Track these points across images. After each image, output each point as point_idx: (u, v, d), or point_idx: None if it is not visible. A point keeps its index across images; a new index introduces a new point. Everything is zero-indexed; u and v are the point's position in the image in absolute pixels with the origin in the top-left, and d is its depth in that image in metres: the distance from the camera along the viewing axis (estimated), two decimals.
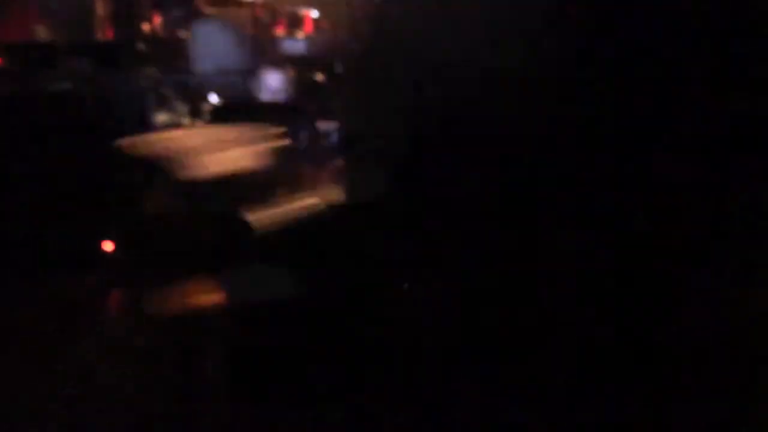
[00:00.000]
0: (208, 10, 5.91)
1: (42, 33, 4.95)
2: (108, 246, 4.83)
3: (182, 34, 5.78)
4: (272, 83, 4.38)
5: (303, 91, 4.94)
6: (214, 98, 4.76)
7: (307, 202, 3.56)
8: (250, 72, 4.77)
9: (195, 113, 4.94)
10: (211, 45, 5.42)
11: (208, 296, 3.90)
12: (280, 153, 3.67)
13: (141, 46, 5.22)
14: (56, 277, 4.65)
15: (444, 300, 3.19)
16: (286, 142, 3.60)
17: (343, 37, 5.82)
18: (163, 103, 5.08)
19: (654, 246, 3.09)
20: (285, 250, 3.70)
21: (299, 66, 5.19)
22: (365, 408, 3.22)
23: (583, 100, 3.08)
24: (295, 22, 6.12)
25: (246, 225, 3.74)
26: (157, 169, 4.18)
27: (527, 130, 3.10)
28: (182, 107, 5.07)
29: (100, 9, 5.12)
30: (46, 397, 3.39)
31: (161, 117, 5.05)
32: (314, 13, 6.16)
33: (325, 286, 3.41)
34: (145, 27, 5.67)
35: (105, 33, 5.19)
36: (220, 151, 4.06)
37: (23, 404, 3.34)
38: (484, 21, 3.15)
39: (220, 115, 4.61)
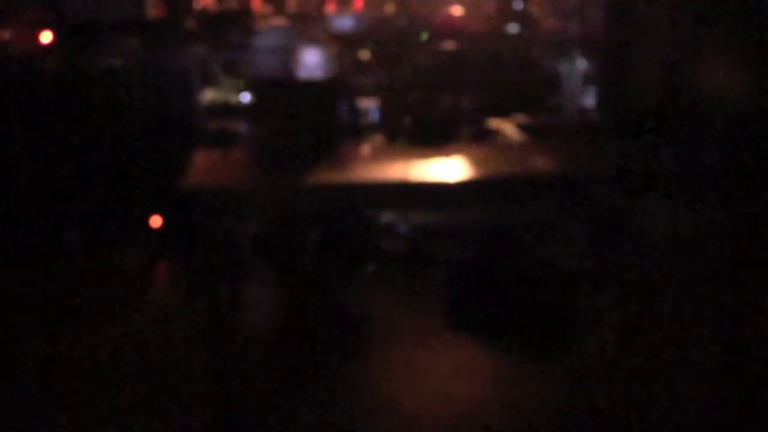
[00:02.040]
0: None
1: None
2: (156, 221, 4.92)
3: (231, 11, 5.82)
4: (315, 61, 4.39)
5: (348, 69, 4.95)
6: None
7: None
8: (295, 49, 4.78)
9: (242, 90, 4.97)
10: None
11: None
12: None
13: (190, 23, 5.26)
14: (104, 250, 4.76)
15: None
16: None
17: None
18: (211, 80, 5.12)
19: None
20: None
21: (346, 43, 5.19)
22: None
23: None
24: None
25: None
26: None
27: None
28: (229, 84, 5.11)
29: None
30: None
31: (208, 94, 5.09)
32: None
33: None
34: (196, 4, 5.71)
35: (155, 11, 5.25)
36: None
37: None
38: None
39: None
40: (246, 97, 4.87)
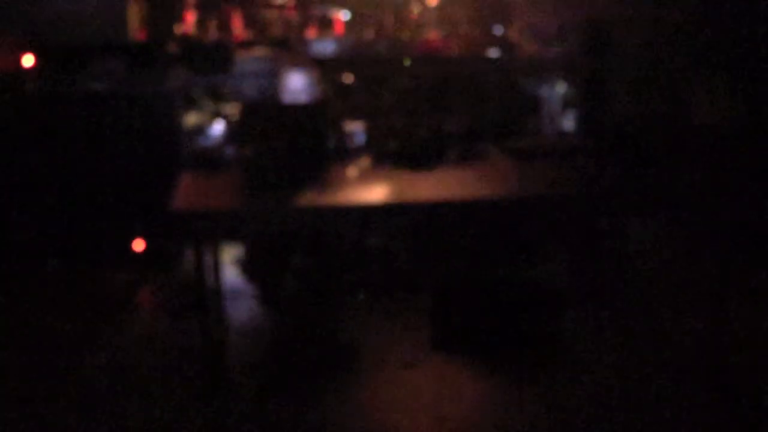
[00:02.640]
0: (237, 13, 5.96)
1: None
2: (139, 245, 4.90)
3: (214, 36, 5.84)
4: (299, 85, 4.42)
5: (331, 93, 4.98)
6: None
7: None
8: (278, 74, 4.81)
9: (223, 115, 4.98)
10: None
11: None
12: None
13: (173, 47, 5.27)
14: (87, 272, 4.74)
15: None
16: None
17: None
18: (193, 104, 5.12)
19: None
20: None
21: (328, 67, 5.22)
22: None
23: None
24: (325, 23, 6.16)
25: None
26: None
27: None
28: (212, 107, 5.11)
29: (134, 11, 5.19)
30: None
31: (191, 117, 5.09)
32: (344, 15, 6.19)
33: None
34: (178, 29, 5.72)
35: (137, 35, 5.26)
36: None
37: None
38: None
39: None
40: (229, 121, 4.88)
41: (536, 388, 3.44)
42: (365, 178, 3.55)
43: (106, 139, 4.88)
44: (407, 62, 5.39)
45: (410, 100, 4.81)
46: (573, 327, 3.92)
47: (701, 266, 3.93)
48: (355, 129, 3.94)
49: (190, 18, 5.84)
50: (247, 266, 4.50)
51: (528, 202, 3.33)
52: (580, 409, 3.26)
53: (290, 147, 3.61)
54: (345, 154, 3.85)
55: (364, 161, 3.80)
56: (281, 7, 6.20)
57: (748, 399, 3.29)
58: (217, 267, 3.92)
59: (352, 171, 3.66)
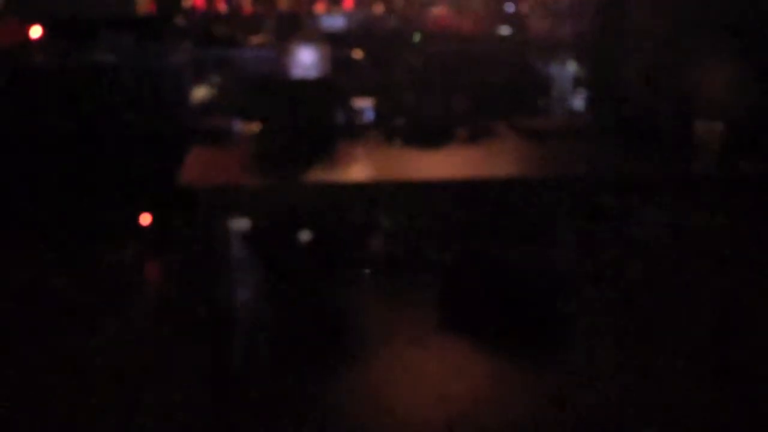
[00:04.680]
0: None
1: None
2: (145, 219, 4.90)
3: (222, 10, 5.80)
4: (307, 60, 4.38)
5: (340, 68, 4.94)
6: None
7: None
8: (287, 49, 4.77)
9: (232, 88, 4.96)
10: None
11: None
12: None
13: (182, 20, 5.24)
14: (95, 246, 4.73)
15: None
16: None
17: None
18: (201, 78, 5.10)
19: None
20: None
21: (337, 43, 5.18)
22: None
23: None
24: None
25: None
26: None
27: None
28: (219, 83, 5.09)
29: None
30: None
31: (200, 91, 5.07)
32: None
33: None
34: (186, 2, 5.69)
35: (145, 7, 5.23)
36: None
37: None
38: None
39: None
40: (237, 96, 4.86)
41: (541, 369, 3.44)
42: (374, 154, 3.53)
43: (114, 112, 4.86)
44: (417, 38, 5.36)
45: (420, 77, 4.77)
46: (579, 308, 3.92)
47: (711, 251, 3.91)
48: (364, 105, 3.91)
49: None
50: (254, 242, 4.49)
51: (537, 181, 3.31)
52: (585, 390, 3.26)
53: (298, 122, 3.58)
54: (354, 130, 3.83)
55: (373, 138, 3.78)
56: None
57: (760, 392, 3.28)
58: (223, 242, 3.91)
59: (360, 147, 3.64)
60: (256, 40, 5.21)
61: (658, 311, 3.91)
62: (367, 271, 4.30)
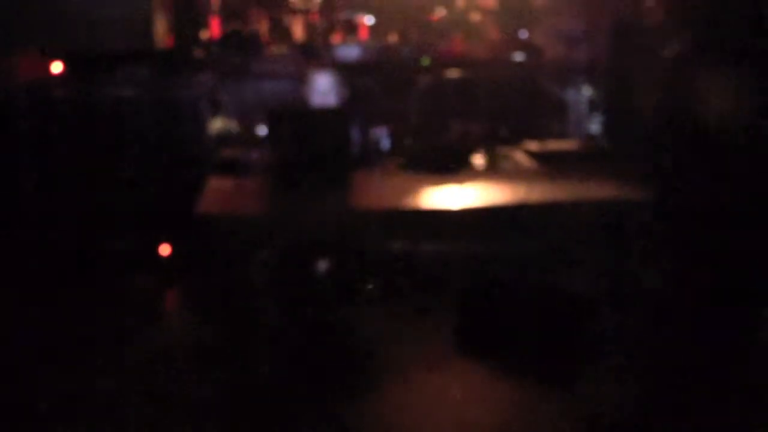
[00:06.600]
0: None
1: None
2: (165, 249, 4.93)
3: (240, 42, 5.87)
4: (324, 90, 4.43)
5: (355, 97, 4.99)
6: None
7: None
8: (304, 79, 4.83)
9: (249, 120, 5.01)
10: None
11: None
12: None
13: (199, 53, 5.31)
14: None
15: None
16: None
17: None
18: (219, 109, 5.15)
19: None
20: None
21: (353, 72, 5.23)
22: None
23: None
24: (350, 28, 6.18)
25: None
26: None
27: None
28: (237, 113, 5.14)
29: (160, 17, 5.23)
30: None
31: (217, 122, 5.12)
32: (369, 20, 6.21)
33: None
34: (203, 35, 5.76)
35: (163, 41, 5.30)
36: None
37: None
38: None
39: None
40: (254, 127, 4.90)
41: (561, 394, 3.41)
42: (390, 182, 3.55)
43: (133, 144, 4.92)
44: (426, 62, 5.38)
45: (435, 105, 4.80)
46: (599, 333, 3.89)
47: (729, 272, 3.88)
48: (380, 133, 3.95)
49: (216, 24, 5.88)
50: (273, 270, 4.51)
51: (553, 206, 3.31)
52: (605, 415, 3.23)
53: (315, 152, 3.62)
54: (370, 158, 3.86)
55: (389, 165, 3.81)
56: (306, 12, 6.22)
57: None
58: (242, 270, 3.94)
59: (376, 175, 3.67)
60: (272, 69, 5.27)
61: (685, 335, 3.88)
62: (385, 296, 4.30)
